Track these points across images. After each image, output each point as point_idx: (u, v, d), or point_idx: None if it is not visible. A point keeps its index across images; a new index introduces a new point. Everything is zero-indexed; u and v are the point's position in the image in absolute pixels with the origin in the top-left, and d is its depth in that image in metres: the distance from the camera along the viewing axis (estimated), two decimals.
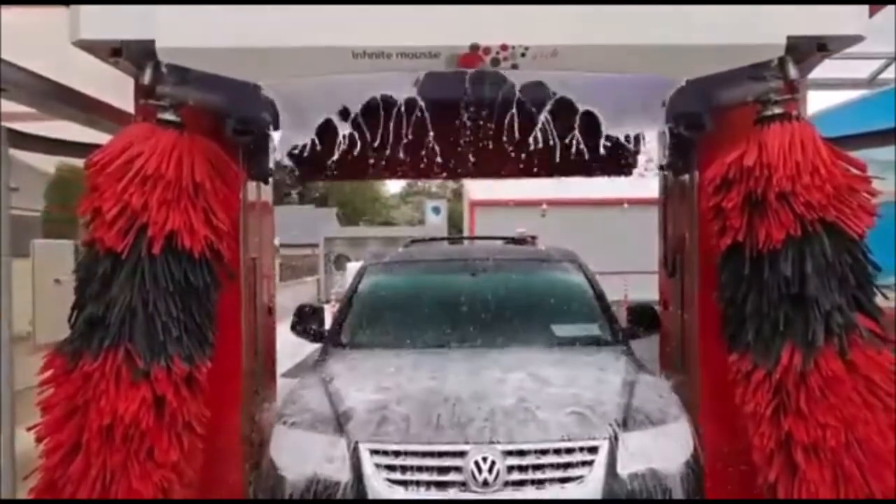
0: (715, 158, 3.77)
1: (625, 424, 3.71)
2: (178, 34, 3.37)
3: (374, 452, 3.60)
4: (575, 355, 4.54)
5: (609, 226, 14.28)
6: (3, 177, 3.68)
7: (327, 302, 17.69)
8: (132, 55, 3.54)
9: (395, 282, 5.27)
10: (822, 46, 3.59)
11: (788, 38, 3.45)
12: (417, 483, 3.53)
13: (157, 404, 3.47)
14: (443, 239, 9.50)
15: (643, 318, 5.13)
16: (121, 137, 3.55)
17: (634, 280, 6.55)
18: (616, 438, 3.63)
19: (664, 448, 3.71)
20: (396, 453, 3.59)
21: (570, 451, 3.58)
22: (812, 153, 3.50)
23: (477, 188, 16.39)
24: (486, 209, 16.35)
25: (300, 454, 3.72)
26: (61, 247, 5.20)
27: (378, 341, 4.79)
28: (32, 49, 4.00)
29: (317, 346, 5.15)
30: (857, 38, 3.58)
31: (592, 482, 3.54)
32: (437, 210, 28.64)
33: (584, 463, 3.57)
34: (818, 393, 3.46)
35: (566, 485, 3.53)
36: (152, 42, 3.37)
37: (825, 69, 4.69)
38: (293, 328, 5.22)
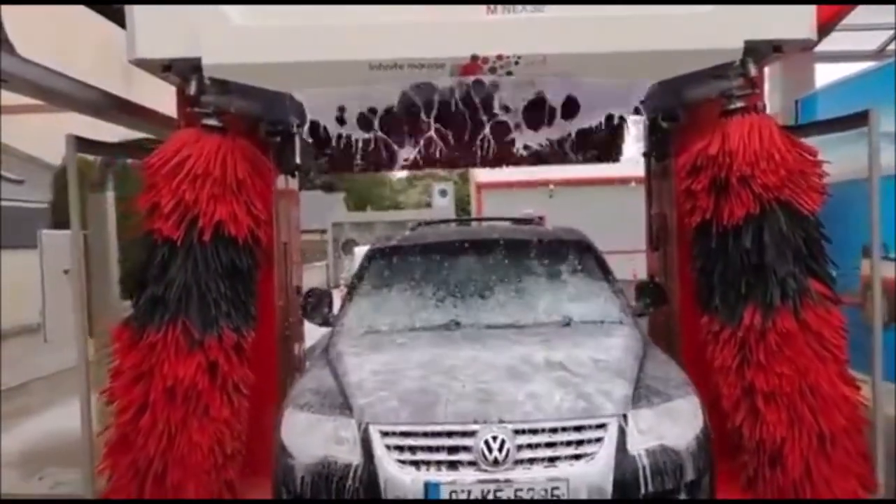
0: (687, 146, 4.30)
1: (634, 401, 3.71)
2: (220, 52, 3.86)
3: (385, 434, 3.59)
4: (584, 334, 4.47)
5: (616, 205, 13.44)
6: (73, 182, 4.24)
7: (336, 286, 18.08)
8: (180, 70, 4.06)
9: (402, 265, 5.12)
10: (777, 48, 4.07)
11: (746, 42, 3.91)
12: (428, 463, 3.53)
13: (210, 369, 4.04)
14: (450, 221, 9.58)
15: (651, 295, 5.10)
16: (172, 142, 4.09)
17: (643, 259, 6.56)
18: (626, 415, 3.63)
19: (674, 424, 3.71)
20: (406, 434, 3.59)
21: (579, 428, 3.58)
22: (768, 142, 4.01)
23: (483, 170, 16.53)
24: (492, 191, 16.58)
25: (310, 437, 3.72)
26: (69, 237, 5.36)
27: (386, 323, 4.69)
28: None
29: (326, 329, 5.07)
30: (808, 41, 4.07)
31: (603, 459, 3.53)
32: (444, 193, 28.72)
33: (594, 440, 3.57)
34: (775, 347, 4.00)
35: (576, 462, 3.53)
36: (198, 59, 3.87)
37: (832, 42, 4.82)
38: (302, 312, 5.19)
